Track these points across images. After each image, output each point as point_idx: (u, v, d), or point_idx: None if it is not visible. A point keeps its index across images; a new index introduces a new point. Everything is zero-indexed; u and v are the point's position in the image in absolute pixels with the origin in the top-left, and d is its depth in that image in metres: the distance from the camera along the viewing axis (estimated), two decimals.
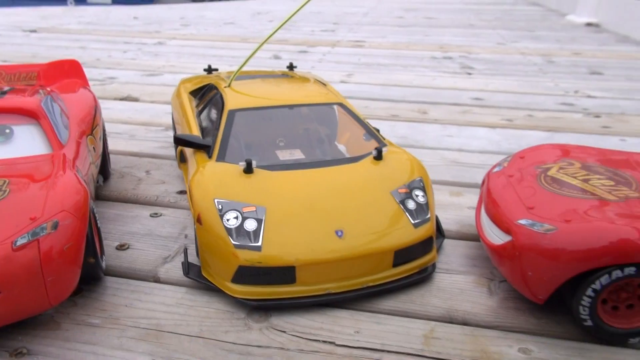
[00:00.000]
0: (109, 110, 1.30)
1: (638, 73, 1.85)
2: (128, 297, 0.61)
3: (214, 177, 0.64)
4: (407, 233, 0.61)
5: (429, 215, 0.64)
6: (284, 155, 0.71)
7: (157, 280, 0.64)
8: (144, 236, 0.74)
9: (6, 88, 0.75)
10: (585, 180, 0.61)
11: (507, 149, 1.09)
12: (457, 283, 0.64)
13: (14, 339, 0.53)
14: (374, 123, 1.25)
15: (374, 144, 0.73)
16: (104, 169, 0.89)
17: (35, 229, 0.52)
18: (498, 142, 1.14)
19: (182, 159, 0.82)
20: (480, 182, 0.73)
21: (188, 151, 0.75)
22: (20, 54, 2.09)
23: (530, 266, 0.54)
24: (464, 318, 0.58)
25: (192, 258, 0.66)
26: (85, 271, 0.58)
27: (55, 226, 0.53)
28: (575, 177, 0.62)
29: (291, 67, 1.01)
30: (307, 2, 0.79)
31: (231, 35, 2.62)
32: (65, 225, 0.54)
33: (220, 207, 0.59)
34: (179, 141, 0.71)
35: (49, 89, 0.80)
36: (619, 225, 0.51)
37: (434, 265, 0.65)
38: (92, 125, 0.82)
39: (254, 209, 0.59)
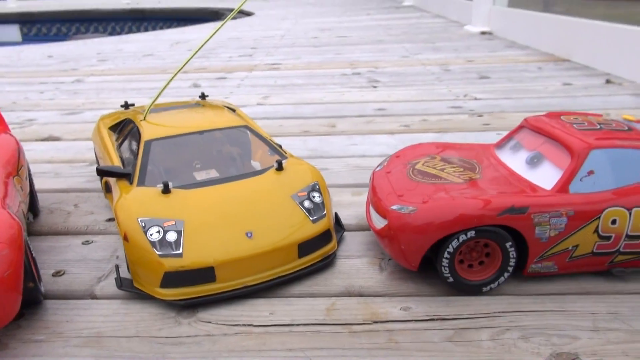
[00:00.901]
0: (32, 152, 1.34)
1: (518, 74, 2.11)
2: (68, 314, 0.68)
3: (135, 199, 0.73)
4: (307, 228, 0.73)
5: (324, 212, 0.76)
6: (201, 176, 0.81)
7: (93, 297, 0.72)
8: (78, 262, 0.81)
9: None
10: (441, 169, 0.76)
11: None
12: (354, 265, 0.77)
13: None
14: (287, 140, 1.39)
15: (276, 157, 0.85)
16: (33, 207, 0.95)
17: None
18: (395, 146, 1.29)
19: (107, 190, 0.90)
20: None
21: (112, 181, 0.83)
22: None
23: (403, 241, 0.68)
24: (359, 291, 0.71)
25: (124, 274, 0.74)
26: (25, 296, 0.65)
27: None
28: (434, 168, 0.77)
29: (203, 96, 1.12)
30: (215, 32, 0.88)
31: (150, 67, 2.68)
32: (3, 255, 0.61)
33: (143, 224, 0.69)
34: (102, 172, 0.78)
35: None
36: (458, 200, 0.66)
37: (334, 254, 0.77)
38: (17, 166, 0.88)
39: (174, 223, 0.69)
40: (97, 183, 1.13)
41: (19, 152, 0.93)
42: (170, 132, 0.85)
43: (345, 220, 0.90)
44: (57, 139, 1.48)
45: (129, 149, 0.88)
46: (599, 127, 0.73)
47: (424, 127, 1.44)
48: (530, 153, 0.74)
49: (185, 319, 0.66)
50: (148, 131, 0.85)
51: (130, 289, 0.70)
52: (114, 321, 0.67)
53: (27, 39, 10.12)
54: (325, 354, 0.60)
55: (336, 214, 0.86)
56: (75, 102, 1.94)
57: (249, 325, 0.65)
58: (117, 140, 0.95)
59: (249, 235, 0.70)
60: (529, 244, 0.66)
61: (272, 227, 0.71)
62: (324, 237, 0.75)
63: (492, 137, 1.34)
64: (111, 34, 9.80)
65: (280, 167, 0.80)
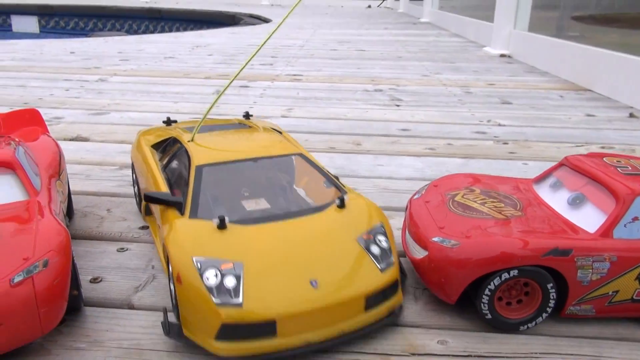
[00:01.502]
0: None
1: (540, 102, 2.12)
2: (108, 323, 0.69)
3: (189, 235, 0.66)
4: (375, 278, 0.65)
5: (392, 259, 0.68)
6: (250, 205, 0.75)
7: (131, 307, 0.73)
8: (114, 269, 0.82)
9: None
10: (483, 204, 0.76)
11: (429, 175, 1.26)
12: None
13: None
14: (315, 155, 1.39)
15: (334, 191, 0.78)
16: (69, 210, 0.96)
17: (29, 267, 0.60)
18: (422, 170, 1.30)
19: (147, 212, 0.88)
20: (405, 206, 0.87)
21: (160, 212, 0.76)
22: None
23: (442, 274, 0.68)
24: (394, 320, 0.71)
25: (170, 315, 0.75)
26: (69, 303, 0.66)
27: (45, 264, 0.61)
28: (475, 202, 0.77)
29: (247, 115, 1.05)
30: (268, 37, 0.79)
31: (172, 71, 2.71)
32: (54, 263, 0.62)
33: (199, 265, 0.61)
34: (150, 199, 0.72)
35: (17, 139, 0.87)
36: (502, 238, 0.66)
37: (401, 307, 0.70)
38: (58, 169, 0.90)
39: (232, 266, 0.61)
40: (128, 188, 1.14)
41: (60, 155, 0.94)
42: (222, 157, 0.79)
43: None
44: (85, 139, 1.50)
45: (176, 173, 0.82)
46: None
47: (449, 152, 1.45)
48: (572, 193, 0.75)
49: None
50: (198, 155, 0.78)
51: (179, 339, 0.63)
52: (153, 334, 0.67)
53: (44, 31, 10.23)
54: None
55: (399, 259, 0.74)
56: (101, 102, 1.96)
57: None
58: (161, 160, 0.89)
59: (314, 284, 0.62)
60: (569, 286, 0.66)
61: (338, 275, 0.64)
62: (391, 289, 0.67)
63: (518, 167, 1.34)
64: (128, 31, 9.90)
65: (342, 204, 0.72)
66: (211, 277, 0.60)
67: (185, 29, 9.35)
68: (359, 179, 1.23)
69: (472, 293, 0.69)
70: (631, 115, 1.91)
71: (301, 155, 0.82)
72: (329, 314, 0.62)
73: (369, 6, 11.63)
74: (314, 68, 2.88)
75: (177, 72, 2.66)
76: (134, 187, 1.03)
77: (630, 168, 0.74)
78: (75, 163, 1.29)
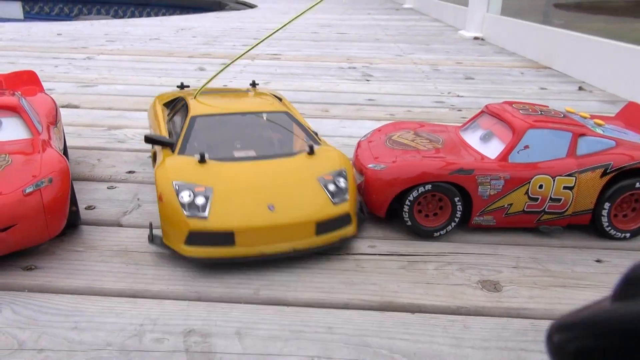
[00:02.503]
0: None
1: (500, 77, 2.29)
2: (100, 234, 0.84)
3: (173, 165, 0.81)
4: (327, 209, 0.77)
5: (347, 197, 0.80)
6: (239, 154, 0.86)
7: (120, 225, 0.88)
8: (105, 201, 0.97)
9: None
10: (412, 141, 0.93)
11: None
12: None
13: (25, 260, 0.76)
14: None
15: (309, 142, 0.90)
16: (65, 155, 1.10)
17: (37, 182, 0.75)
18: None
19: (155, 160, 1.00)
20: None
21: (158, 151, 0.90)
22: None
23: (374, 191, 0.84)
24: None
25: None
26: (69, 218, 0.81)
27: (50, 181, 0.76)
28: (406, 139, 0.94)
29: (254, 84, 1.18)
30: (289, 22, 0.93)
31: (157, 50, 2.83)
32: (57, 181, 0.77)
33: (177, 187, 0.76)
34: (148, 140, 0.87)
35: (19, 92, 1.01)
36: (420, 161, 0.83)
37: (353, 237, 0.83)
38: (55, 119, 1.04)
39: (203, 189, 0.75)
40: (115, 144, 1.29)
41: (56, 108, 1.08)
42: (215, 110, 0.93)
43: None
44: (76, 106, 1.63)
45: (177, 123, 0.96)
46: (540, 113, 0.90)
47: (407, 117, 1.61)
48: (484, 131, 0.92)
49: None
50: (195, 108, 0.93)
51: (159, 245, 0.78)
52: (138, 242, 0.83)
53: (28, 16, 10.18)
54: (309, 273, 0.76)
55: (360, 203, 0.88)
56: (89, 77, 2.08)
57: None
58: (168, 115, 1.04)
59: (271, 208, 0.75)
60: (473, 200, 0.83)
61: (293, 204, 0.77)
62: (343, 220, 0.79)
63: None
64: (114, 17, 9.90)
65: (311, 152, 0.85)
66: (185, 197, 0.74)
67: (171, 14, 9.39)
68: (324, 137, 1.39)
69: (398, 207, 0.85)
70: (580, 89, 2.09)
71: (286, 113, 0.95)
72: (282, 233, 0.75)
73: None
74: (293, 49, 3.02)
75: (162, 52, 2.78)
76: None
77: (530, 110, 0.91)
78: (68, 125, 1.42)
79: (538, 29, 2.79)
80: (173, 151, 0.85)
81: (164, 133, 0.95)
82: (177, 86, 1.18)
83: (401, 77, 2.25)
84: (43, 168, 0.78)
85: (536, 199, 0.83)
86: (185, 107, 0.96)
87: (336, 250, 0.82)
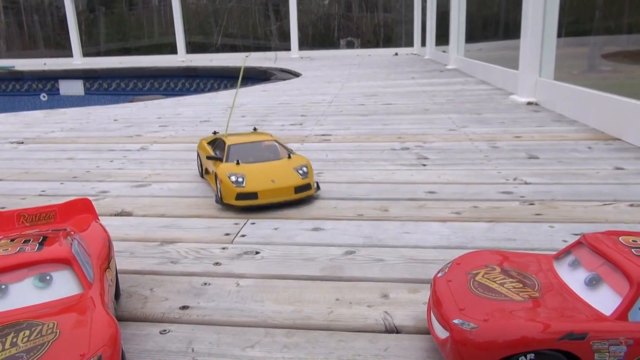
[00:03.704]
0: (108, 228, 1.45)
1: (567, 155, 2.14)
2: None
3: (225, 166, 1.61)
4: (299, 181, 1.58)
5: (308, 175, 1.60)
6: (255, 160, 1.66)
7: None
8: (158, 353, 0.88)
9: (41, 238, 0.91)
10: (502, 284, 0.80)
11: (455, 242, 1.30)
12: None
13: None
14: (344, 223, 1.43)
15: (290, 154, 1.70)
16: (117, 292, 1.04)
17: None
18: (448, 236, 1.34)
19: (206, 172, 1.87)
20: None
21: (209, 166, 1.76)
22: (12, 169, 2.25)
23: (463, 355, 0.71)
24: None
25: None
26: None
27: (99, 359, 0.68)
28: (494, 282, 0.81)
29: (254, 129, 2.06)
30: None
31: (208, 134, 2.85)
32: (107, 357, 0.69)
33: (228, 174, 1.55)
34: (210, 158, 1.70)
35: (72, 232, 0.96)
36: (520, 322, 0.70)
37: (313, 195, 1.66)
38: (108, 257, 0.98)
39: (241, 175, 1.55)
40: (168, 266, 1.22)
41: (109, 243, 1.03)
42: (240, 141, 1.73)
43: (402, 321, 0.94)
44: (129, 214, 1.61)
45: (220, 149, 1.74)
46: None
47: (475, 216, 1.48)
48: (589, 274, 0.78)
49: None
50: (230, 141, 1.72)
51: (222, 203, 1.57)
52: None
53: (88, 92, 10.90)
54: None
55: (317, 182, 1.69)
56: (143, 173, 2.09)
57: None
58: (211, 145, 1.86)
59: (273, 181, 1.55)
60: None
61: (283, 179, 1.56)
62: (307, 186, 1.60)
63: (545, 230, 1.36)
64: (166, 89, 10.44)
65: (289, 157, 1.67)
66: (233, 178, 1.54)
67: (219, 85, 9.79)
68: (386, 248, 1.28)
69: None
70: None
71: (276, 141, 1.75)
72: (279, 192, 1.55)
73: (396, 54, 11.91)
74: (342, 127, 2.99)
75: (212, 136, 2.79)
76: (198, 167, 2.00)
77: None
78: (120, 240, 1.38)
79: (600, 97, 2.64)
80: (221, 161, 1.65)
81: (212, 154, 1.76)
82: (213, 132, 2.03)
83: (459, 159, 2.14)
84: (92, 342, 0.70)
85: None
86: (223, 142, 1.74)
87: None
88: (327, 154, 2.31)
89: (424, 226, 1.42)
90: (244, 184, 1.50)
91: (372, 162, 2.13)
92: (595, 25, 3.35)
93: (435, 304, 0.82)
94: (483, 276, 0.83)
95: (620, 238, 0.82)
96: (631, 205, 1.53)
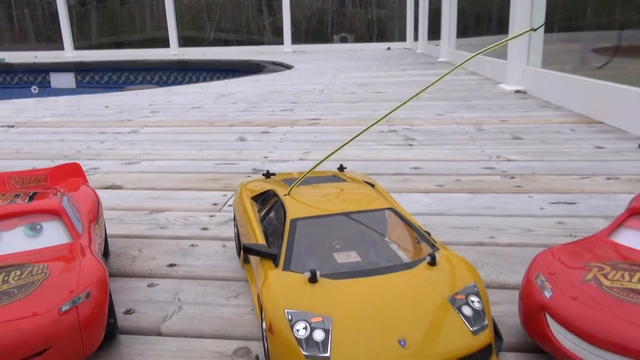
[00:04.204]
0: None
1: (551, 136, 2.18)
2: (139, 347, 0.78)
3: (282, 287, 0.69)
4: (467, 341, 0.63)
5: (486, 322, 0.66)
6: (341, 258, 0.77)
7: (159, 334, 0.82)
8: (145, 302, 0.92)
9: (32, 193, 0.94)
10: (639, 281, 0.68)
11: (436, 210, 1.34)
12: None
13: None
14: None
15: (425, 247, 0.79)
16: (106, 250, 1.07)
17: (74, 298, 0.70)
18: (429, 205, 1.38)
19: (245, 260, 0.97)
20: None
21: (256, 262, 0.83)
22: (2, 150, 2.27)
23: None
24: None
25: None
26: (106, 330, 0.76)
27: (87, 295, 0.71)
28: (624, 280, 0.69)
29: (341, 168, 1.13)
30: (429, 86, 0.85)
31: (199, 120, 2.88)
32: (94, 294, 0.72)
33: (290, 317, 0.64)
34: (248, 251, 0.78)
35: (62, 190, 0.99)
36: None
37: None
38: (97, 215, 1.01)
39: (321, 320, 0.63)
40: (157, 231, 1.25)
41: (98, 203, 1.06)
42: (315, 211, 0.83)
43: None
44: (119, 187, 1.63)
45: (273, 225, 0.88)
46: None
47: (456, 188, 1.53)
48: None
49: (240, 357, 0.75)
50: (293, 208, 0.84)
51: None
52: (179, 356, 0.76)
53: (80, 85, 10.85)
54: None
55: (494, 321, 0.71)
56: (133, 153, 2.11)
57: None
58: (259, 211, 0.96)
59: (402, 343, 0.61)
60: None
61: (427, 336, 0.63)
62: (484, 353, 0.65)
63: (523, 200, 1.40)
64: (158, 82, 10.41)
65: (433, 262, 0.72)
66: (301, 330, 0.62)
67: (212, 78, 9.78)
68: None
69: None
70: None
71: (392, 209, 0.84)
72: None
73: (389, 48, 11.95)
74: (332, 112, 3.02)
75: (203, 122, 2.83)
76: (235, 238, 1.11)
77: None
78: (110, 209, 1.41)
79: (585, 82, 2.69)
80: (276, 265, 0.75)
81: (258, 237, 0.86)
82: (263, 174, 1.12)
83: (445, 140, 2.18)
84: (81, 281, 0.73)
85: None
86: (281, 206, 0.87)
87: None
88: (316, 136, 2.35)
89: (407, 197, 1.46)
90: (328, 351, 0.62)
91: (360, 143, 2.17)
92: (587, 22, 3.41)
93: (582, 330, 0.65)
94: (607, 278, 0.71)
95: None
96: (608, 179, 1.58)
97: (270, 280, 0.71)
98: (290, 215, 0.81)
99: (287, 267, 0.73)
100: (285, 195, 0.89)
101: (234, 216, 1.06)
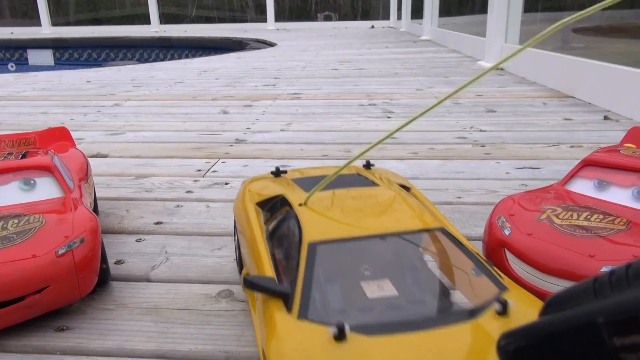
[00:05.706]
0: None
1: (523, 109, 2.27)
2: (130, 291, 0.85)
3: (298, 347, 0.48)
4: None
5: None
6: (372, 289, 0.58)
7: (149, 280, 0.89)
8: (134, 254, 0.98)
9: (24, 152, 0.99)
10: (587, 219, 0.76)
11: (409, 174, 1.42)
12: None
13: (56, 320, 0.77)
14: (307, 162, 1.56)
15: (486, 282, 0.57)
16: (95, 210, 1.13)
17: (70, 243, 0.76)
18: (403, 170, 1.46)
19: (245, 284, 0.70)
20: None
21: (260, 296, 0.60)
22: None
23: None
24: None
25: None
26: (99, 275, 0.82)
27: (82, 241, 0.78)
28: (575, 219, 0.76)
29: (368, 165, 0.90)
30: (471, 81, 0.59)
31: (181, 94, 2.91)
32: (88, 240, 0.79)
33: None
34: (251, 285, 0.56)
35: (52, 150, 1.04)
36: None
37: None
38: (86, 174, 1.07)
39: None
40: (143, 194, 1.31)
41: (87, 164, 1.11)
42: (341, 231, 0.61)
43: None
44: (105, 156, 1.68)
45: (284, 246, 0.66)
46: None
47: (430, 155, 1.61)
48: (632, 188, 0.82)
49: (224, 298, 0.83)
50: (311, 227, 0.62)
51: None
52: (167, 298, 0.83)
53: (59, 63, 10.65)
54: None
55: None
56: (117, 124, 2.15)
57: None
58: (266, 223, 0.74)
59: None
60: None
61: None
62: None
63: (491, 165, 1.49)
64: (139, 60, 10.27)
65: (504, 310, 0.51)
66: None
67: (194, 56, 9.68)
68: None
69: None
70: (605, 118, 2.06)
71: (443, 230, 0.63)
72: None
73: (372, 26, 11.93)
74: (314, 87, 3.07)
75: (186, 95, 2.86)
76: (235, 249, 0.91)
77: None
78: (97, 175, 1.46)
79: (559, 58, 2.78)
80: (289, 310, 0.53)
81: (265, 261, 0.64)
82: (272, 172, 0.87)
83: None
84: (75, 228, 0.79)
85: None
86: (295, 221, 0.65)
87: None
88: (298, 109, 2.40)
89: (382, 163, 1.54)
90: None
91: (340, 115, 2.23)
92: (568, 2, 3.48)
93: (535, 261, 0.71)
94: (558, 218, 0.78)
95: (621, 150, 0.90)
96: (572, 147, 1.67)
97: (282, 334, 0.51)
98: (308, 236, 0.60)
99: (303, 315, 0.52)
100: (300, 205, 0.68)
101: (234, 223, 0.86)
